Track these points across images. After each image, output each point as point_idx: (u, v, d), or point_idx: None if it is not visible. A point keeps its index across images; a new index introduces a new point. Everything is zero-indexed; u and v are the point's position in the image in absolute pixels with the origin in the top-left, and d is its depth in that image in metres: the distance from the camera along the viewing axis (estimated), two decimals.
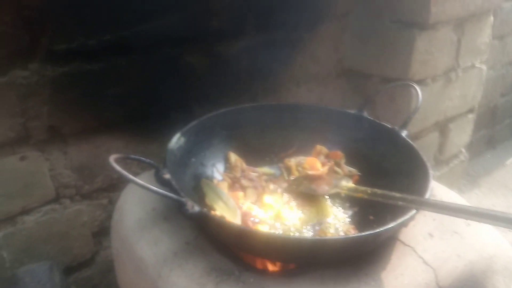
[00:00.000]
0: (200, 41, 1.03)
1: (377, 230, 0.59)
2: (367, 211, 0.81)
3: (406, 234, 0.74)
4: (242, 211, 0.80)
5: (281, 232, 0.75)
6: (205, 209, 0.63)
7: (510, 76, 2.24)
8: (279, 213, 0.82)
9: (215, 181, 0.88)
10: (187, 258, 0.67)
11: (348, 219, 0.81)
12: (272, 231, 0.75)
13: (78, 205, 0.98)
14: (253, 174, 0.94)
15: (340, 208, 0.85)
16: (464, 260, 0.71)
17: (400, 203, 0.68)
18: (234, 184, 0.90)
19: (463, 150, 1.59)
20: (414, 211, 0.65)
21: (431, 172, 0.75)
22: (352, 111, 0.98)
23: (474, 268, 0.71)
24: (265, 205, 0.85)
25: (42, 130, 0.88)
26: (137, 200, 0.82)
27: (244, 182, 0.91)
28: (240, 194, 0.86)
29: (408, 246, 0.72)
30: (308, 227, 0.79)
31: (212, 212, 0.77)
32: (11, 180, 0.87)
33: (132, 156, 0.68)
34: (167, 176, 0.69)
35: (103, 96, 0.93)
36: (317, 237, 0.71)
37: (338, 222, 0.81)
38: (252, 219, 0.79)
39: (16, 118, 0.84)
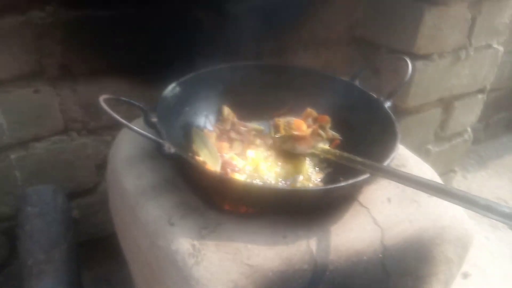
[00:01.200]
0: None
1: (323, 187, 0.66)
2: (339, 173, 0.87)
3: (365, 197, 0.80)
4: (223, 159, 0.88)
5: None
6: (179, 151, 0.71)
7: None
8: (258, 166, 0.89)
9: (205, 131, 0.96)
10: (163, 192, 0.76)
11: (319, 179, 0.88)
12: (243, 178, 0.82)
13: (84, 138, 1.08)
14: (243, 129, 1.01)
15: (317, 168, 0.91)
16: (415, 226, 0.77)
17: (359, 167, 0.74)
18: (222, 135, 0.97)
19: (469, 129, 1.60)
20: (367, 175, 0.70)
21: (398, 143, 0.79)
22: (345, 79, 1.02)
23: (424, 234, 0.77)
24: (247, 158, 0.92)
25: (55, 68, 0.97)
26: (131, 139, 0.91)
27: (233, 134, 0.98)
28: (226, 144, 0.94)
29: (365, 207, 0.78)
30: (282, 182, 0.86)
31: (195, 157, 0.86)
32: (25, 110, 0.98)
33: (123, 98, 0.75)
34: (154, 119, 0.77)
35: (112, 42, 1.00)
36: (267, 185, 0.77)
37: (310, 180, 0.88)
38: (231, 168, 0.87)
39: (31, 54, 0.93)
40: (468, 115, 1.54)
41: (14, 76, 0.94)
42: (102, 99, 0.69)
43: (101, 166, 1.14)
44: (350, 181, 0.69)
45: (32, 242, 0.96)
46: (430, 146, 1.48)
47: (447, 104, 1.44)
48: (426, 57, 1.25)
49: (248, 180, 0.79)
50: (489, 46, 1.41)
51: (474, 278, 1.40)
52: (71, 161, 1.09)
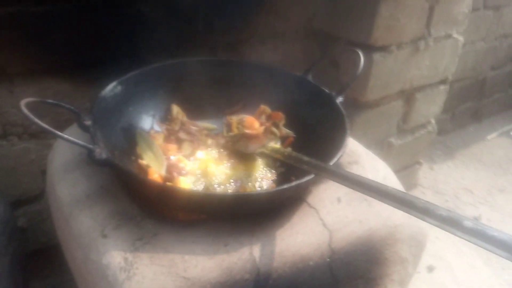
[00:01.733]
0: None
1: (266, 191, 0.62)
2: (292, 173, 0.84)
3: (314, 197, 0.77)
4: (170, 162, 0.83)
5: (203, 185, 0.79)
6: (111, 157, 0.66)
7: (504, 49, 2.19)
8: (207, 168, 0.85)
9: (151, 132, 0.91)
10: (98, 200, 0.71)
11: (271, 180, 0.84)
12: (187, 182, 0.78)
13: (26, 143, 1.02)
14: (193, 128, 0.96)
15: (270, 168, 0.88)
16: (365, 226, 0.74)
17: (305, 167, 0.71)
18: (171, 136, 0.92)
19: (432, 121, 1.59)
20: (311, 176, 0.67)
21: (347, 141, 0.76)
22: (297, 74, 0.98)
23: (374, 235, 0.75)
24: (196, 159, 0.88)
25: None
26: (69, 144, 0.85)
27: (182, 135, 0.93)
28: (174, 146, 0.89)
29: (313, 208, 0.75)
30: (232, 183, 0.82)
31: (139, 160, 0.81)
32: None
33: (49, 100, 0.70)
34: (87, 122, 0.72)
35: (49, 39, 0.94)
36: (207, 192, 0.73)
37: (261, 180, 0.84)
38: (177, 171, 0.82)
39: None
40: (430, 107, 1.53)
41: None
42: (23, 103, 0.64)
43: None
44: (294, 183, 0.66)
45: None
46: (392, 139, 1.47)
47: (408, 96, 1.42)
48: (383, 48, 1.22)
49: (186, 187, 0.74)
50: (448, 36, 1.40)
51: (440, 271, 1.39)
52: (13, 167, 1.03)
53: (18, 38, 0.91)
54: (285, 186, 0.65)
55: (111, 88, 0.85)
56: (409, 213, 0.50)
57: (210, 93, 1.00)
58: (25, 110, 0.62)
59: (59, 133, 0.62)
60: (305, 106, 0.95)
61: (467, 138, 2.23)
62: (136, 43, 1.03)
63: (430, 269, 1.39)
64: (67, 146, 0.85)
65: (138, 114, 0.91)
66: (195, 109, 0.98)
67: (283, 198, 0.70)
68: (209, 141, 0.94)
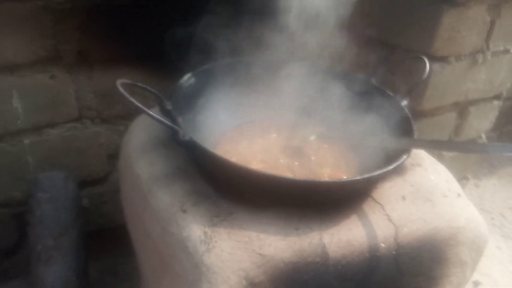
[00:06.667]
0: None
1: (339, 180, 0.65)
2: None
3: (379, 193, 0.78)
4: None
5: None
6: (192, 138, 0.70)
7: None
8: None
9: None
10: (175, 179, 0.75)
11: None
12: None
13: (97, 127, 1.08)
14: None
15: None
16: (429, 225, 0.75)
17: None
18: None
19: (483, 136, 1.57)
20: (383, 170, 0.69)
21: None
22: (361, 76, 1.01)
23: (438, 234, 0.76)
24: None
25: (72, 54, 0.97)
26: (145, 127, 0.90)
27: None
28: None
29: (378, 203, 0.77)
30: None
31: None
32: (40, 95, 0.98)
33: (140, 84, 0.75)
34: (169, 107, 0.77)
35: (130, 30, 1.00)
36: (282, 176, 0.74)
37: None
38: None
39: (49, 39, 0.93)
40: (482, 121, 1.52)
41: (31, 60, 0.94)
42: (119, 83, 0.69)
43: (113, 156, 1.14)
44: (366, 175, 0.68)
45: (42, 227, 0.97)
46: (443, 151, 1.46)
47: (462, 109, 1.42)
48: (443, 59, 1.23)
49: (263, 171, 0.78)
50: (507, 51, 1.39)
51: None
52: (84, 149, 1.09)
53: (102, 28, 0.98)
54: (358, 177, 0.68)
55: (187, 79, 0.90)
56: None
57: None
58: (121, 89, 0.67)
59: (152, 113, 0.67)
60: (367, 107, 0.98)
61: None
62: (208, 39, 1.08)
63: (476, 284, 1.37)
64: (142, 129, 0.90)
65: (208, 105, 0.96)
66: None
67: (353, 189, 0.72)
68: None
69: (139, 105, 0.66)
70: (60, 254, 0.97)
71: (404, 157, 0.74)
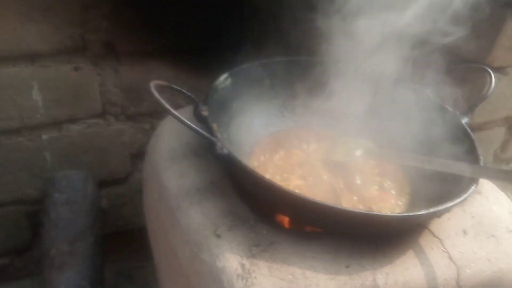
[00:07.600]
0: None
1: (402, 214, 0.56)
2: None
3: (437, 226, 0.69)
4: None
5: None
6: (231, 152, 0.62)
7: None
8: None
9: None
10: (208, 196, 0.67)
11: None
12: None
13: (121, 124, 1.01)
14: None
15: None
16: (494, 267, 0.66)
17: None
18: None
19: None
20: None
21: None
22: (416, 86, 0.91)
23: (505, 278, 0.66)
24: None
25: (99, 45, 0.89)
26: (174, 131, 0.82)
27: None
28: None
29: (437, 237, 0.67)
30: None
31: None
32: (62, 87, 0.91)
33: (175, 86, 0.67)
34: (204, 113, 0.69)
35: (162, 22, 0.92)
36: (335, 205, 0.66)
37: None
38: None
39: (75, 28, 0.85)
40: None
41: (55, 49, 0.87)
42: (153, 84, 0.61)
43: (136, 156, 1.07)
44: (432, 209, 0.58)
45: (57, 231, 0.90)
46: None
47: (511, 124, 1.31)
48: (500, 69, 1.13)
49: (314, 199, 0.69)
50: None
51: None
52: (105, 147, 1.02)
53: (132, 18, 0.89)
54: (422, 212, 0.58)
55: (223, 80, 0.81)
56: None
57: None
58: (156, 93, 0.59)
59: (188, 122, 0.58)
60: (420, 122, 0.88)
61: None
62: (243, 38, 0.99)
63: None
64: (171, 134, 0.82)
65: (244, 109, 0.87)
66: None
67: (414, 223, 0.63)
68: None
69: (176, 113, 0.58)
70: (75, 260, 0.90)
71: (473, 188, 0.64)
